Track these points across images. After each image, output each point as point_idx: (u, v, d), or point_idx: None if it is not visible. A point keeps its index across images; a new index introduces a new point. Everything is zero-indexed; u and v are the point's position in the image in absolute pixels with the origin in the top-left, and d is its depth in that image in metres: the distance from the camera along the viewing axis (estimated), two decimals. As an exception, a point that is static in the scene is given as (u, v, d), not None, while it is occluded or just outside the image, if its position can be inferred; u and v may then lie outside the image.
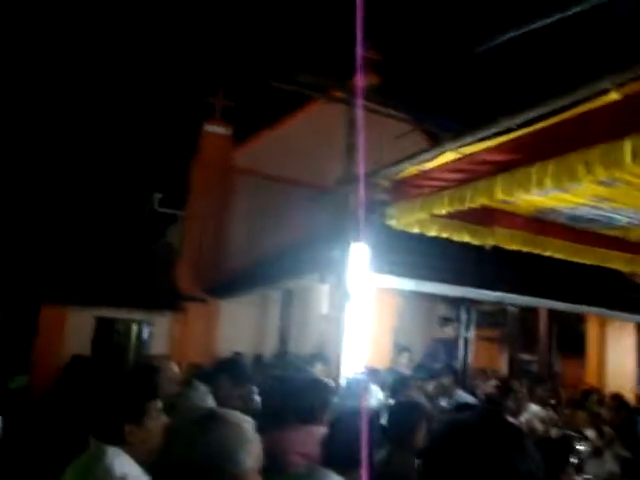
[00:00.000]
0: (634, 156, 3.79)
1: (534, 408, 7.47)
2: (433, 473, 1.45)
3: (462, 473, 1.38)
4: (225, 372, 3.95)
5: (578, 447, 6.31)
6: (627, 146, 3.83)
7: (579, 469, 5.87)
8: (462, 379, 8.07)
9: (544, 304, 9.82)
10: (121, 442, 2.37)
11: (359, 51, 9.91)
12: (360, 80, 9.28)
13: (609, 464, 6.38)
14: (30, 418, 4.66)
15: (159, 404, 2.55)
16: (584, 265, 7.46)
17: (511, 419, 6.53)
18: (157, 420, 2.49)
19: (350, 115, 7.98)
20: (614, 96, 3.93)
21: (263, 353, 12.24)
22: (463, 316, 10.88)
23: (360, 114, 7.48)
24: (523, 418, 7.16)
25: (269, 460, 3.03)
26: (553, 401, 8.11)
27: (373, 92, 9.48)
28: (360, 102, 7.64)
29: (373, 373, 6.78)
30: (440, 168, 5.56)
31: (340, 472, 2.56)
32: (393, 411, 3.74)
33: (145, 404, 2.47)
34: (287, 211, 13.90)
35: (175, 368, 3.67)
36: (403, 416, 3.59)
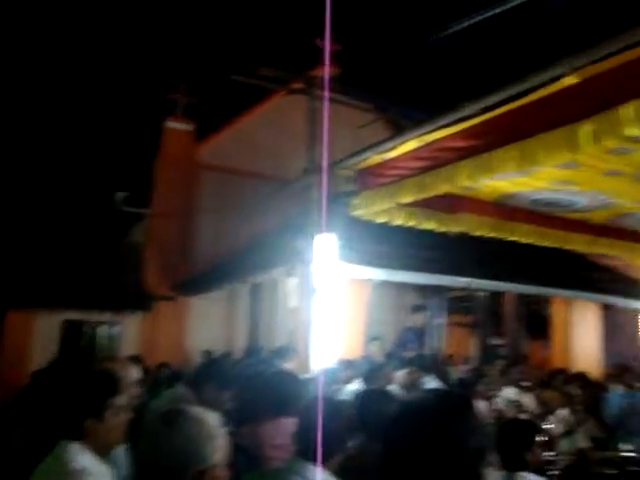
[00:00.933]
0: (592, 139, 3.85)
1: (508, 390, 7.58)
2: (389, 453, 1.50)
3: (413, 451, 1.44)
4: (210, 376, 3.91)
5: (548, 426, 6.43)
6: (585, 129, 3.89)
7: (548, 447, 5.98)
8: (434, 366, 8.12)
9: (511, 288, 9.95)
10: (82, 437, 2.37)
11: (320, 42, 9.89)
12: (321, 71, 9.25)
13: (581, 442, 6.52)
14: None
15: (122, 400, 2.54)
16: (548, 248, 7.57)
17: (483, 402, 6.62)
18: (119, 416, 2.49)
19: (312, 106, 7.96)
20: (571, 80, 3.98)
21: (233, 349, 12.18)
22: (433, 303, 10.98)
23: (322, 105, 7.47)
24: (497, 400, 7.26)
25: (246, 455, 3.02)
26: (526, 383, 8.22)
27: (334, 83, 9.47)
28: (322, 93, 7.63)
29: (347, 363, 6.80)
30: (403, 156, 5.59)
31: (317, 462, 2.55)
32: (365, 400, 3.75)
33: (106, 399, 2.46)
34: (253, 205, 13.83)
35: (135, 369, 3.61)
36: (375, 405, 3.59)
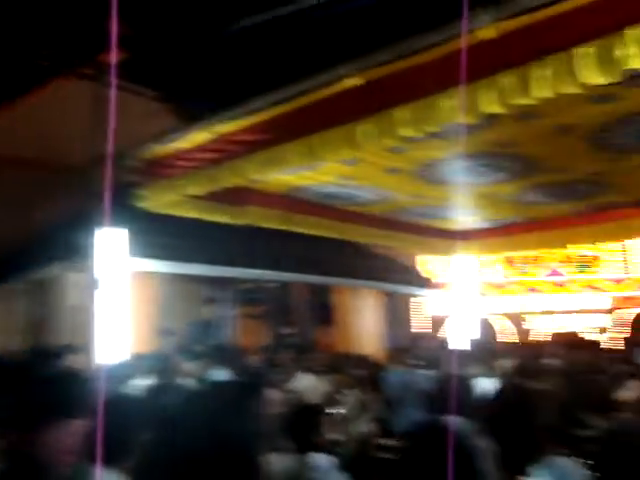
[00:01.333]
0: (371, 137, 4.09)
1: (301, 377, 7.83)
2: (175, 444, 1.56)
3: (196, 440, 1.50)
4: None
5: (333, 410, 6.77)
6: (366, 128, 4.13)
7: (337, 428, 6.30)
8: (226, 357, 8.16)
9: (299, 279, 10.30)
10: None
11: (109, 26, 9.37)
12: (109, 56, 8.79)
13: (366, 422, 6.96)
14: None
15: None
16: (331, 239, 7.94)
17: (276, 390, 6.77)
18: None
19: (98, 93, 7.53)
20: (353, 81, 4.19)
21: (10, 350, 11.19)
22: (224, 296, 11.00)
23: (109, 92, 7.10)
24: (293, 387, 7.47)
25: (33, 463, 2.79)
26: (316, 368, 8.55)
27: (122, 69, 9.05)
28: (109, 79, 7.25)
29: (136, 358, 6.56)
30: (192, 148, 5.51)
31: (109, 464, 2.43)
32: (155, 395, 3.66)
33: None
34: (32, 196, 12.78)
35: None
36: (166, 399, 3.52)
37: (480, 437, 1.60)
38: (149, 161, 5.97)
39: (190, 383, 6.11)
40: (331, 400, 7.04)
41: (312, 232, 7.40)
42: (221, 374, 6.81)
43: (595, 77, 3.18)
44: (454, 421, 1.60)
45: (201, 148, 5.40)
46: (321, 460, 3.63)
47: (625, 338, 14.19)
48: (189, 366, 7.09)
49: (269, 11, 6.69)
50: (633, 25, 3.03)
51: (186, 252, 7.48)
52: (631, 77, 3.81)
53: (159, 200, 5.98)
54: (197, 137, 5.37)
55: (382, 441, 5.17)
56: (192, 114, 6.01)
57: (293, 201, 6.99)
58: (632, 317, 15.63)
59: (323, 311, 13.21)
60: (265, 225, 6.91)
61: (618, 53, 3.05)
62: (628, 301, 15.72)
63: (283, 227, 7.02)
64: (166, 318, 9.22)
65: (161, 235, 7.18)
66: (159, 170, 5.90)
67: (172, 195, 5.79)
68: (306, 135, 4.49)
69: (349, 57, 4.19)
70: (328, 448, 3.98)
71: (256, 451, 1.54)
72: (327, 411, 5.36)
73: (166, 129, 5.75)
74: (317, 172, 5.90)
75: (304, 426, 3.72)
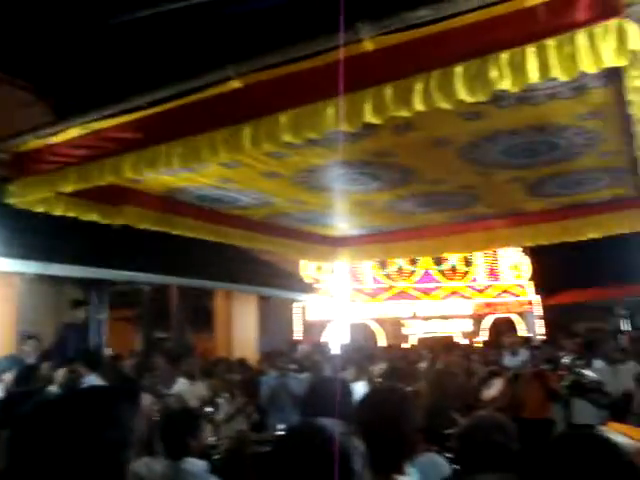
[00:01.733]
0: (251, 142, 4.10)
1: (182, 382, 7.68)
2: (26, 452, 1.47)
3: (53, 448, 1.44)
4: None
5: (211, 412, 6.72)
6: (247, 131, 4.12)
7: (212, 432, 6.25)
8: (97, 362, 7.82)
9: (175, 282, 10.11)
10: None
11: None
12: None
13: (240, 425, 6.95)
14: None
15: None
16: (211, 242, 7.85)
17: (149, 395, 6.59)
18: None
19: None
20: (236, 84, 4.17)
21: None
22: (95, 298, 10.57)
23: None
24: (168, 391, 7.31)
25: None
26: (193, 373, 8.40)
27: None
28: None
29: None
30: (66, 143, 5.24)
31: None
32: (10, 403, 3.46)
33: None
34: None
35: None
36: (23, 407, 3.34)
37: (352, 438, 1.63)
38: (19, 154, 5.62)
39: (54, 390, 5.82)
40: (207, 405, 6.98)
41: (191, 235, 7.26)
42: (94, 380, 6.56)
43: (468, 95, 3.36)
44: (327, 423, 1.63)
45: (75, 143, 5.16)
46: (196, 465, 3.59)
47: (484, 341, 15.10)
48: (57, 372, 6.76)
49: (154, 6, 6.54)
50: (507, 48, 3.24)
51: (53, 252, 7.11)
52: (498, 97, 4.08)
53: (29, 196, 5.63)
54: (71, 132, 5.12)
55: (256, 444, 5.18)
56: (67, 107, 5.74)
57: (172, 202, 6.84)
58: (491, 322, 16.72)
59: (201, 315, 13.04)
60: (141, 226, 6.70)
61: (491, 74, 3.25)
62: (489, 307, 16.76)
63: (160, 229, 6.84)
64: (29, 322, 8.73)
65: (27, 234, 6.79)
66: (29, 164, 5.56)
67: (43, 191, 5.48)
68: (186, 136, 4.42)
69: (232, 59, 4.17)
70: (203, 453, 3.94)
71: (124, 459, 1.50)
72: (202, 416, 5.32)
73: (39, 122, 5.44)
74: (197, 174, 5.82)
75: (179, 431, 3.67)
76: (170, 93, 4.48)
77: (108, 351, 10.71)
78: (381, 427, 2.15)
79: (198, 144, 4.35)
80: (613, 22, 3.02)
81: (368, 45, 3.61)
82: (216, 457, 4.99)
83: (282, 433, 1.75)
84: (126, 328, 13.37)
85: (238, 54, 4.19)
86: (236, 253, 10.27)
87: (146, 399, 6.18)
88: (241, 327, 12.34)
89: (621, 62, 3.05)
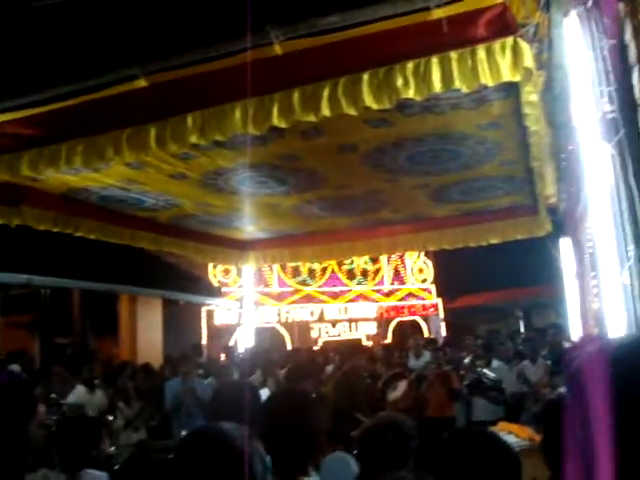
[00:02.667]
0: (157, 142, 4.02)
1: (80, 389, 7.39)
2: None
3: None
4: None
5: (110, 422, 6.51)
6: (152, 131, 4.04)
7: (111, 441, 6.06)
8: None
9: (76, 285, 9.75)
10: None
11: None
12: None
13: (141, 433, 6.77)
14: None
15: None
16: (115, 245, 7.61)
17: (42, 405, 6.31)
18: None
19: None
20: (142, 83, 4.08)
21: None
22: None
23: None
24: (67, 399, 7.03)
25: None
26: (95, 380, 8.10)
27: None
28: None
29: None
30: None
31: None
32: None
33: None
34: None
35: None
36: None
37: (253, 442, 1.63)
38: None
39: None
40: (107, 413, 6.75)
41: (94, 236, 7.01)
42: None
43: (374, 102, 3.44)
44: (227, 428, 1.62)
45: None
46: (96, 476, 3.47)
47: (389, 344, 15.44)
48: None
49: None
50: (412, 58, 3.34)
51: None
52: (404, 105, 4.19)
53: None
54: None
55: (158, 452, 5.07)
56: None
57: (73, 203, 6.58)
58: (394, 325, 17.15)
59: (105, 319, 12.63)
60: (40, 227, 6.41)
61: (397, 82, 3.34)
62: (395, 310, 17.17)
63: (60, 230, 6.56)
64: None
65: None
66: None
67: None
68: (89, 134, 4.27)
69: (139, 57, 4.07)
70: (103, 462, 3.81)
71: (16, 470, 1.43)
72: (102, 424, 5.14)
73: None
74: (101, 174, 5.64)
75: (77, 441, 3.52)
76: (74, 89, 4.31)
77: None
78: (284, 430, 2.15)
79: (102, 143, 4.22)
80: (509, 40, 3.19)
81: (277, 49, 3.62)
82: (116, 467, 4.84)
83: (182, 439, 1.72)
84: (22, 333, 12.73)
85: (145, 52, 4.09)
86: (141, 256, 10.01)
87: (41, 408, 5.92)
88: (146, 331, 12.05)
89: (516, 77, 3.21)
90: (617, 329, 2.76)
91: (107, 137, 4.21)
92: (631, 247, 2.69)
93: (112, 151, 4.16)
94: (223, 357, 10.10)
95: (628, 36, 2.89)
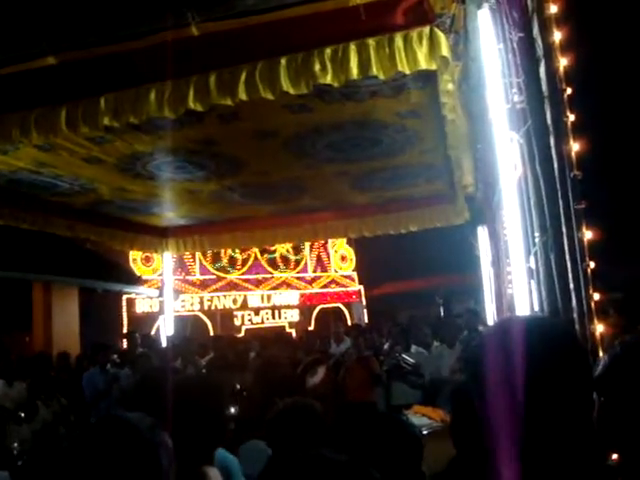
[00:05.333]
0: (69, 123, 3.86)
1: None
2: None
3: None
4: None
5: (20, 417, 6.28)
6: (63, 113, 3.88)
7: (18, 438, 5.83)
8: None
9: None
10: None
11: None
12: None
13: (56, 427, 6.55)
14: None
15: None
16: (28, 231, 7.31)
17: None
18: None
19: None
20: (51, 60, 3.91)
21: None
22: None
23: None
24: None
25: None
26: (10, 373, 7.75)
27: None
28: None
29: None
30: None
31: None
32: None
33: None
34: None
35: None
36: None
37: (159, 432, 1.59)
38: None
39: None
40: (22, 408, 6.49)
41: (2, 222, 6.70)
42: None
43: (291, 87, 3.42)
44: (132, 417, 1.58)
45: None
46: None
47: (311, 331, 15.52)
48: None
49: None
50: (330, 44, 3.34)
51: None
52: (323, 91, 4.19)
53: None
54: None
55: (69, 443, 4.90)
56: None
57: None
58: (317, 312, 17.30)
59: (17, 311, 12.15)
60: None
61: (314, 68, 3.33)
62: (317, 297, 17.31)
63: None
64: None
65: None
66: None
67: None
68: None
69: (49, 34, 3.88)
70: (6, 461, 3.66)
71: None
72: (12, 420, 4.94)
73: None
74: (8, 156, 5.38)
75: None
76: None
77: None
78: (188, 418, 2.13)
79: (8, 123, 4.02)
80: (426, 29, 3.23)
81: (194, 30, 3.54)
82: (23, 463, 4.65)
83: (85, 430, 1.66)
84: None
85: (56, 29, 3.91)
86: (56, 243, 9.65)
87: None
88: (62, 322, 11.65)
89: (432, 66, 3.26)
90: (524, 312, 2.86)
91: (14, 117, 4.01)
92: (537, 234, 2.79)
93: (19, 132, 3.97)
94: (144, 345, 9.90)
95: (535, 31, 2.98)
